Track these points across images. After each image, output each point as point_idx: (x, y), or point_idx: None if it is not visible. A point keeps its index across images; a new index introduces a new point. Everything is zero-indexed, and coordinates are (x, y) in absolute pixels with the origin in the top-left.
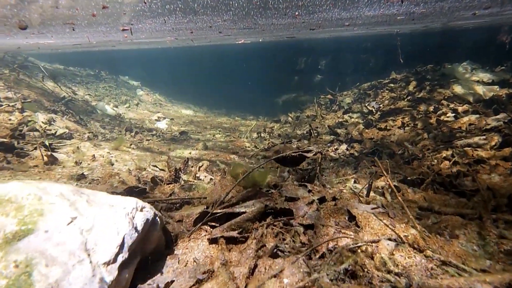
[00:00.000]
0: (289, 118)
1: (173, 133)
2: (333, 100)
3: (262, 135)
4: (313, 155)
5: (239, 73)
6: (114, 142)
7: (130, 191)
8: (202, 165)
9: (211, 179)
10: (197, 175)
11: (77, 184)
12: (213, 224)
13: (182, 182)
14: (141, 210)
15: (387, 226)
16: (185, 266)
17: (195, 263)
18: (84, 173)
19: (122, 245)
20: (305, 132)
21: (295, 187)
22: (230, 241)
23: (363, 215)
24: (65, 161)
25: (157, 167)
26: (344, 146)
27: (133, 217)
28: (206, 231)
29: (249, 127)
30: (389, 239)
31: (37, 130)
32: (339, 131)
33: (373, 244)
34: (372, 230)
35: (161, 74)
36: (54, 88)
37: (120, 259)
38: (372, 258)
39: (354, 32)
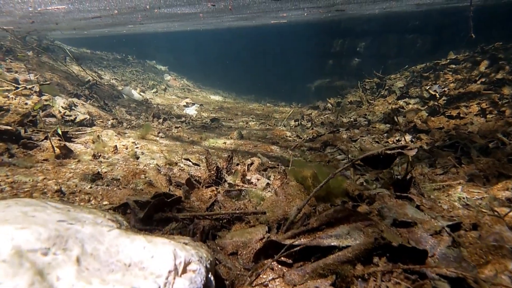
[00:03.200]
0: (329, 105)
1: (203, 120)
2: (381, 84)
3: (303, 123)
4: (416, 152)
5: (268, 57)
6: (141, 130)
7: (159, 204)
8: (252, 163)
9: (268, 184)
10: (247, 177)
11: (91, 187)
12: (285, 260)
13: (227, 186)
14: (185, 271)
15: None
16: None
17: None
18: (100, 171)
19: None
20: (352, 119)
21: (397, 202)
22: None
23: None
24: (82, 153)
25: (190, 160)
26: (407, 137)
27: None
28: (274, 270)
29: (283, 114)
30: None
31: (54, 116)
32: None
33: None
34: None
35: (189, 59)
36: (79, 72)
37: None
38: None
39: (402, 9)
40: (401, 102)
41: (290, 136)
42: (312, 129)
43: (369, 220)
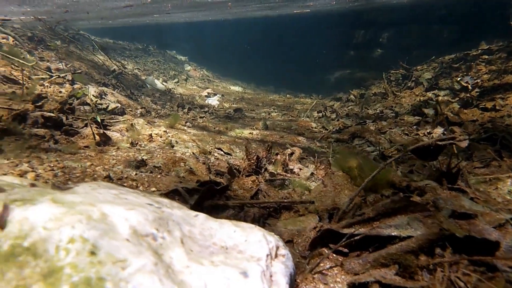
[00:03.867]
0: (352, 96)
1: (226, 110)
2: (407, 75)
3: (327, 114)
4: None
5: (287, 48)
6: (169, 120)
7: (209, 191)
8: (292, 153)
9: (312, 174)
10: (289, 166)
11: (136, 174)
12: (340, 249)
13: (267, 175)
14: (276, 256)
15: None
16: None
17: None
18: (144, 159)
19: None
20: (378, 111)
21: (450, 194)
22: None
23: None
24: (119, 140)
25: (222, 150)
26: (439, 130)
27: (271, 276)
28: (329, 258)
29: (305, 105)
30: None
31: (87, 104)
32: (426, 111)
33: None
34: None
35: (208, 49)
36: (104, 61)
37: None
38: None
39: None
40: (429, 94)
41: (315, 128)
42: (338, 120)
43: (428, 211)
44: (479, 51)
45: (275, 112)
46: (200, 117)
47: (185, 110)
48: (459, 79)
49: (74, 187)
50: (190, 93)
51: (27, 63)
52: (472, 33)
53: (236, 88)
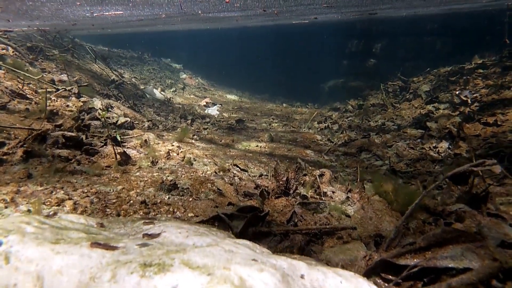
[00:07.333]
0: (349, 106)
1: (228, 121)
2: (404, 87)
3: (330, 126)
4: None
5: (282, 56)
6: (179, 133)
7: (253, 218)
8: (322, 175)
9: (347, 197)
10: (324, 190)
11: (169, 198)
12: (390, 277)
13: (298, 197)
14: None
15: None
16: None
17: None
18: (176, 183)
19: None
20: (380, 123)
21: (492, 221)
22: None
23: None
24: (138, 159)
25: (238, 166)
26: (444, 144)
27: None
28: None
29: (303, 115)
30: None
31: (98, 119)
32: (429, 124)
33: None
34: None
35: (202, 57)
36: (101, 71)
37: None
38: None
39: (426, 11)
40: (429, 107)
41: (320, 140)
42: (342, 132)
43: (479, 241)
44: (474, 65)
45: (276, 122)
46: (204, 129)
47: (189, 122)
48: (457, 92)
49: (161, 233)
50: (189, 102)
51: (33, 77)
52: (464, 46)
53: (232, 97)
